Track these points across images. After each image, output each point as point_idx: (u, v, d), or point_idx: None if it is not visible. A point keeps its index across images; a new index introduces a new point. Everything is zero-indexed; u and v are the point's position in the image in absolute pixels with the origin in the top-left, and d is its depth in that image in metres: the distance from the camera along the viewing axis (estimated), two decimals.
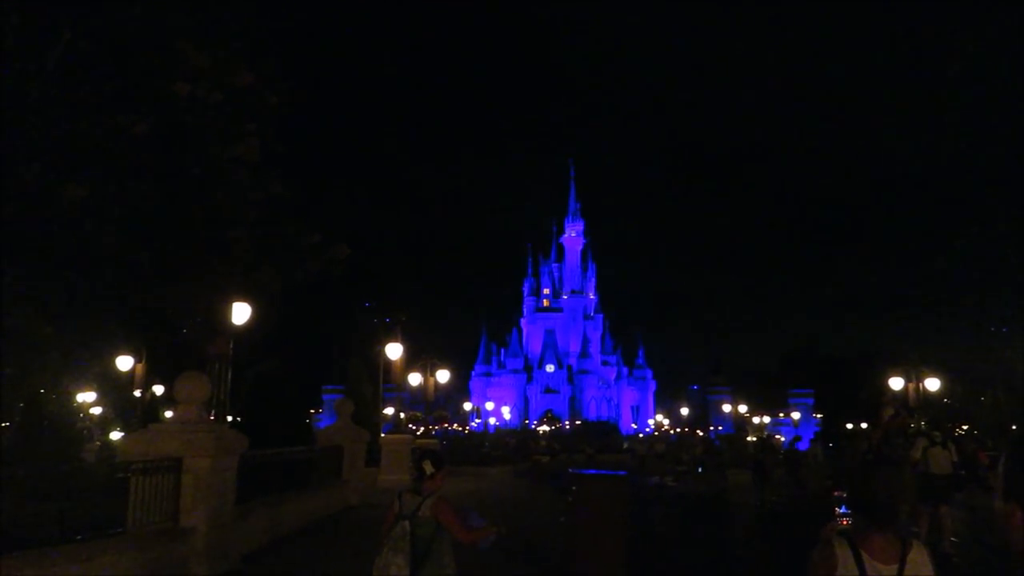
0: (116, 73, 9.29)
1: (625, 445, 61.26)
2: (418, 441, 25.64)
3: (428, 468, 4.87)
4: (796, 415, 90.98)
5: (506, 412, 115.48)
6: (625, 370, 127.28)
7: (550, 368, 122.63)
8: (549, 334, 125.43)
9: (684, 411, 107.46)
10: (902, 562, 3.00)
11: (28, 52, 8.75)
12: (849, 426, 66.58)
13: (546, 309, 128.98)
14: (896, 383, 29.45)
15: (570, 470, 12.38)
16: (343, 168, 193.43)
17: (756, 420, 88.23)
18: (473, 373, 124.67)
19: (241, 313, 14.63)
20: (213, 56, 9.71)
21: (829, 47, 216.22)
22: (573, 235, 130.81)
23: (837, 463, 18.19)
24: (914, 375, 28.89)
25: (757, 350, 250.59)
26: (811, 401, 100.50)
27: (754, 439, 56.98)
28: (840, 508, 3.23)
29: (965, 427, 55.57)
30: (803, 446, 31.42)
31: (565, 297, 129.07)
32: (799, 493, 20.82)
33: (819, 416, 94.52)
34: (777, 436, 66.01)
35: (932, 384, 29.10)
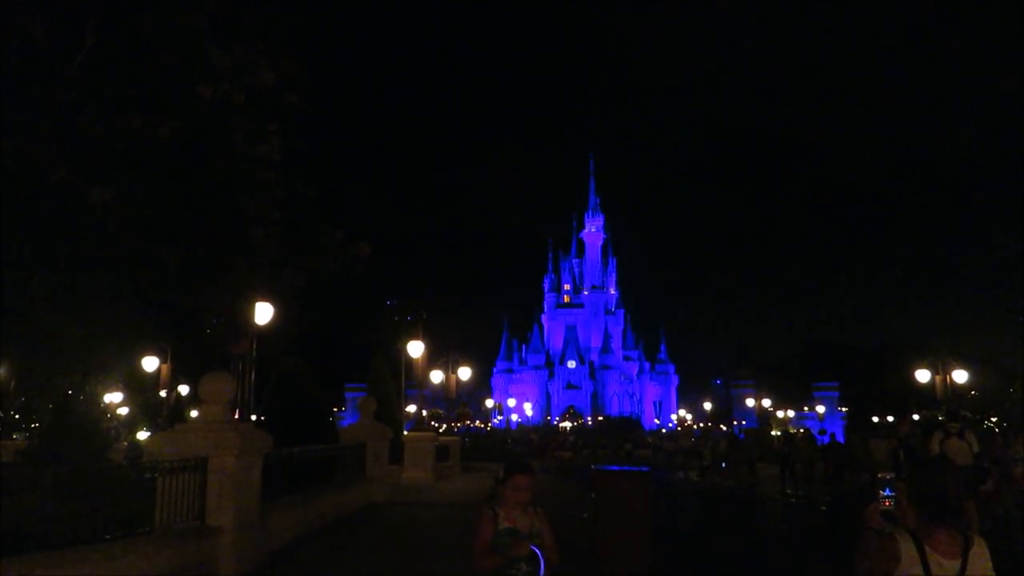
0: (140, 76, 9.37)
1: (649, 440, 61.05)
2: (441, 438, 25.70)
3: (499, 474, 4.41)
4: (821, 408, 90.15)
5: (528, 408, 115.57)
6: (647, 365, 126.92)
7: (572, 364, 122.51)
8: (570, 330, 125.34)
9: (707, 405, 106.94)
10: (964, 556, 3.00)
11: (53, 56, 8.85)
12: (875, 419, 66.01)
13: (567, 305, 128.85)
14: (923, 375, 29.09)
15: (593, 466, 12.33)
16: (364, 166, 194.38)
17: (780, 414, 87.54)
18: (495, 370, 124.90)
19: (264, 312, 14.73)
20: (235, 57, 9.77)
21: (849, 37, 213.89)
22: (593, 230, 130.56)
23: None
24: (941, 367, 28.50)
25: (779, 343, 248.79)
26: (836, 394, 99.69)
27: (778, 433, 56.53)
28: (884, 491, 3.23)
29: (994, 419, 54.89)
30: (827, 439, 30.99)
31: (586, 292, 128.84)
32: (843, 487, 20.63)
33: (844, 409, 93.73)
34: (801, 430, 65.45)
35: (960, 376, 28.69)
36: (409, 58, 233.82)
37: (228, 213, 10.58)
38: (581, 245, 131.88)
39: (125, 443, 33.99)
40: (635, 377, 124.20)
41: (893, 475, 3.38)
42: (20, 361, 19.78)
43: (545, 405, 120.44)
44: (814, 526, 15.83)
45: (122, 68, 9.27)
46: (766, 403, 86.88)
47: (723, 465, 27.26)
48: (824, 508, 18.19)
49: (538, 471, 33.51)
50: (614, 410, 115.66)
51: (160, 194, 9.65)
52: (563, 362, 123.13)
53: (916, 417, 36.49)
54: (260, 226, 11.10)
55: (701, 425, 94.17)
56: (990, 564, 3.05)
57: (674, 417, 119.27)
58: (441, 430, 41.58)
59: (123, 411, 42.63)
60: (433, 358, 31.05)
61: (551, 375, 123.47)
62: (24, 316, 10.18)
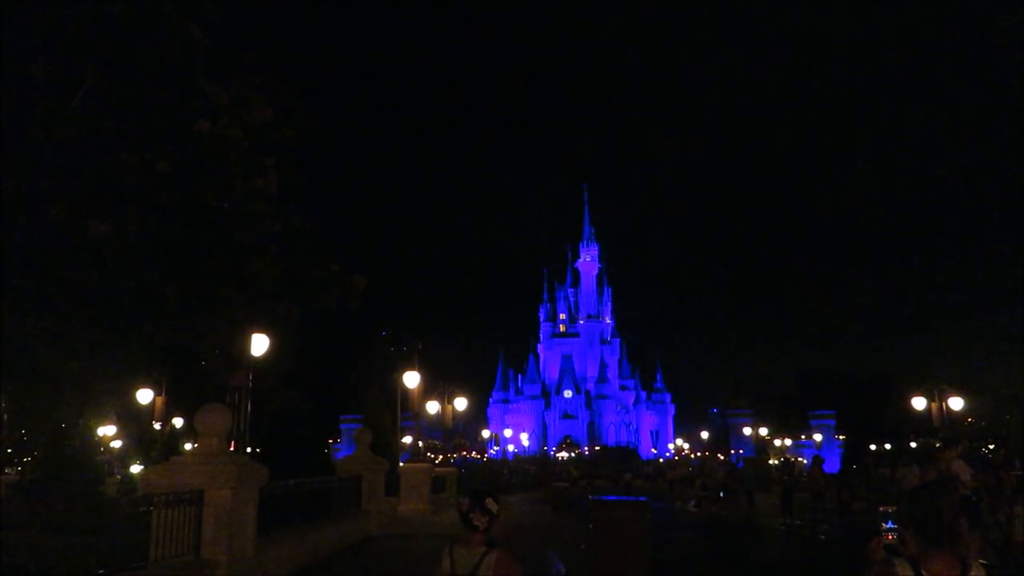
0: (139, 112, 9.50)
1: (647, 470, 60.67)
2: (437, 470, 25.57)
3: (493, 507, 3.85)
4: (818, 437, 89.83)
5: (524, 439, 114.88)
6: (644, 394, 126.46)
7: (568, 394, 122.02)
8: (566, 359, 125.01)
9: (704, 435, 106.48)
10: None
11: (53, 94, 8.98)
12: (872, 447, 65.79)
13: (563, 334, 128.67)
14: (919, 403, 29.11)
15: (590, 497, 12.31)
16: (361, 198, 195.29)
17: (777, 443, 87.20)
18: (491, 400, 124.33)
19: (260, 345, 14.76)
20: (232, 93, 9.91)
21: (844, 69, 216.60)
22: (588, 260, 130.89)
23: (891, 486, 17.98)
24: (937, 395, 28.53)
25: (775, 372, 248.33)
26: (833, 423, 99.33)
27: (776, 462, 56.31)
28: (887, 523, 3.25)
29: (991, 446, 54.79)
30: (828, 468, 30.97)
31: (581, 322, 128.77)
32: (853, 517, 20.49)
33: (841, 437, 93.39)
34: (799, 459, 65.29)
35: (956, 403, 28.70)
36: (405, 91, 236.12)
37: (225, 247, 10.66)
38: (576, 275, 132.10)
39: (119, 476, 33.73)
40: (631, 407, 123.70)
41: (893, 507, 3.40)
42: (16, 396, 19.72)
43: (541, 435, 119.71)
44: (813, 558, 15.76)
45: (121, 105, 9.40)
46: (763, 432, 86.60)
47: (721, 495, 27.15)
48: (823, 538, 18.11)
49: (535, 502, 33.29)
50: (611, 440, 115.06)
51: (158, 229, 9.74)
52: (559, 392, 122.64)
53: (913, 445, 36.42)
54: (257, 260, 11.17)
55: (698, 455, 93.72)
56: None
57: (671, 446, 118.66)
58: (437, 461, 41.38)
59: (116, 444, 42.31)
60: (429, 389, 30.99)
61: (547, 405, 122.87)
62: (22, 351, 10.20)
